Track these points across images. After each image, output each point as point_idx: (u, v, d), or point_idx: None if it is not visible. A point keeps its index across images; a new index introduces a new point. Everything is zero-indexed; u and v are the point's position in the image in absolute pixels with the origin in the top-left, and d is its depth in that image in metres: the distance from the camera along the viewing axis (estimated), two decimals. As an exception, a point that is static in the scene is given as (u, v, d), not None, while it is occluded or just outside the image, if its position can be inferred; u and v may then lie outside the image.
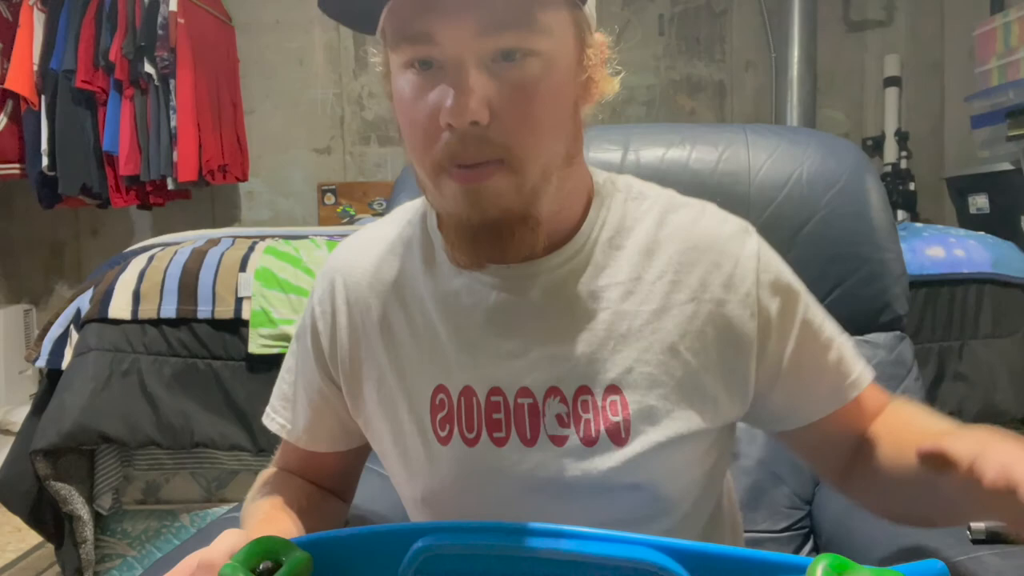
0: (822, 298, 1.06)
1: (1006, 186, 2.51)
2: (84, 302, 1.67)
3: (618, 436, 0.63)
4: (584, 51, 0.60)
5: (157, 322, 1.64)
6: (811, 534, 1.04)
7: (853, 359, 0.69)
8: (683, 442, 0.64)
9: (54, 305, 3.27)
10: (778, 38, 3.38)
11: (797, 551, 1.03)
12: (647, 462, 0.63)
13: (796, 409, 0.68)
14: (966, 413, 1.56)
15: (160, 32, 2.90)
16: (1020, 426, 1.62)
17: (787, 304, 0.66)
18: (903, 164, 3.32)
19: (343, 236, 1.77)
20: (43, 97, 2.90)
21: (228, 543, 0.52)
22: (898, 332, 1.10)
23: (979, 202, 2.65)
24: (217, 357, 1.65)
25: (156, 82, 2.92)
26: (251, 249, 1.73)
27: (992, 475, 0.45)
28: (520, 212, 0.59)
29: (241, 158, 3.40)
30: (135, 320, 1.63)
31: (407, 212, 0.74)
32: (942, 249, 1.61)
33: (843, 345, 0.69)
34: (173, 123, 2.93)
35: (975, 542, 0.71)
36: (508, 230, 0.59)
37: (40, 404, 1.64)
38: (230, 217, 3.63)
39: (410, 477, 0.70)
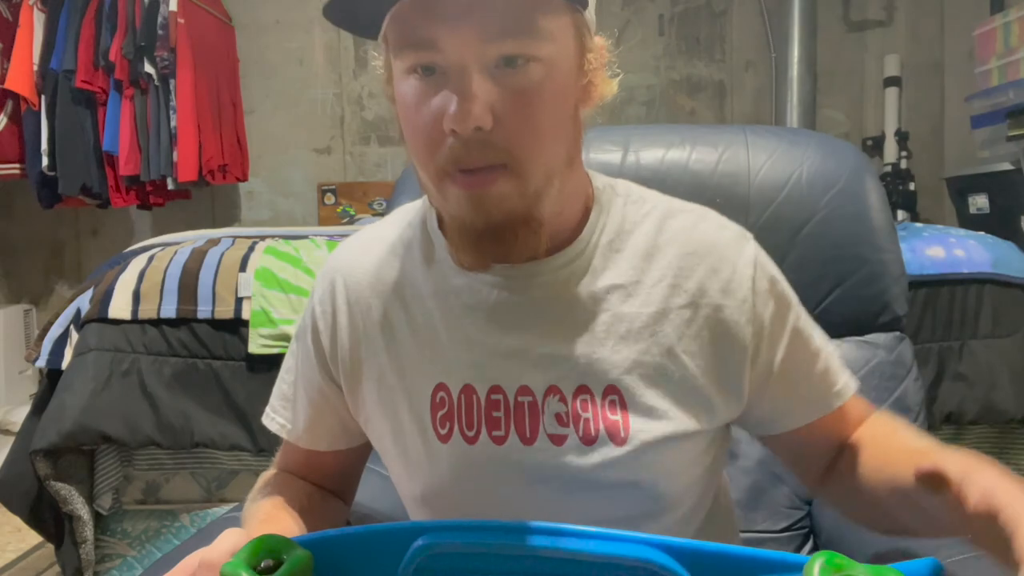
0: (821, 299, 1.06)
1: (1006, 186, 2.51)
2: (84, 302, 1.67)
3: (617, 435, 0.64)
4: (585, 55, 0.61)
5: (157, 322, 1.64)
6: (811, 534, 1.05)
7: (839, 369, 0.71)
8: (681, 441, 0.65)
9: (54, 305, 3.27)
10: (778, 38, 3.39)
11: (797, 551, 1.03)
12: (646, 460, 0.64)
13: (781, 415, 0.70)
14: (966, 413, 1.56)
15: (160, 32, 2.90)
16: (1020, 426, 1.62)
17: (780, 311, 0.68)
18: (903, 164, 3.32)
19: (343, 236, 1.78)
20: (43, 97, 2.90)
21: (229, 542, 0.53)
22: (897, 332, 1.10)
23: (979, 202, 2.66)
24: (217, 357, 1.65)
25: (156, 82, 2.92)
26: (251, 249, 1.73)
27: (975, 499, 0.45)
28: (523, 215, 0.59)
29: (241, 158, 3.40)
30: (135, 320, 1.63)
31: (407, 213, 0.74)
32: (942, 249, 1.61)
33: (830, 355, 0.71)
34: (173, 123, 2.93)
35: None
36: (512, 233, 0.59)
37: (40, 404, 1.64)
38: (230, 217, 3.64)
39: (410, 475, 0.70)
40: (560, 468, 0.64)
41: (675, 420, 0.64)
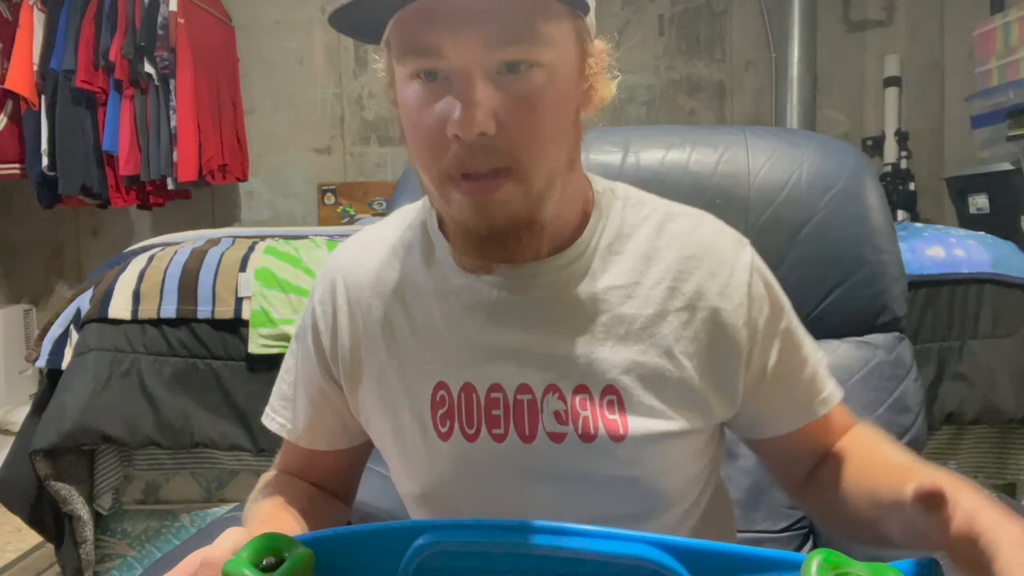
0: (821, 299, 1.07)
1: (1006, 186, 2.51)
2: (84, 302, 1.67)
3: (616, 433, 0.64)
4: (586, 60, 0.62)
5: (157, 322, 1.64)
6: (811, 534, 1.05)
7: (826, 377, 0.72)
8: (679, 439, 0.66)
9: (54, 305, 3.27)
10: (778, 38, 3.39)
11: (797, 551, 1.03)
12: (645, 457, 0.65)
13: (768, 419, 0.71)
14: (966, 413, 1.57)
15: (160, 32, 2.90)
16: (1020, 426, 1.62)
17: (774, 316, 0.69)
18: (903, 164, 3.33)
19: (343, 236, 1.78)
20: (43, 97, 2.91)
21: (231, 541, 0.53)
22: (897, 333, 1.10)
23: (979, 202, 2.66)
24: (217, 357, 1.65)
25: (156, 82, 2.92)
26: (251, 249, 1.73)
27: (958, 521, 0.46)
28: (526, 219, 0.60)
29: (241, 158, 3.40)
30: (135, 320, 1.63)
31: (407, 215, 0.75)
32: (942, 249, 1.61)
33: (818, 362, 0.72)
34: (173, 123, 2.93)
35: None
36: (515, 237, 0.60)
37: (40, 404, 1.64)
38: (230, 217, 3.64)
39: (410, 473, 0.71)
40: (560, 465, 0.65)
41: (673, 420, 0.65)
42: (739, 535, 1.00)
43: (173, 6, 2.90)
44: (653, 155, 1.12)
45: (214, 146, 3.11)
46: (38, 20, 2.92)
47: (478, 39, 0.55)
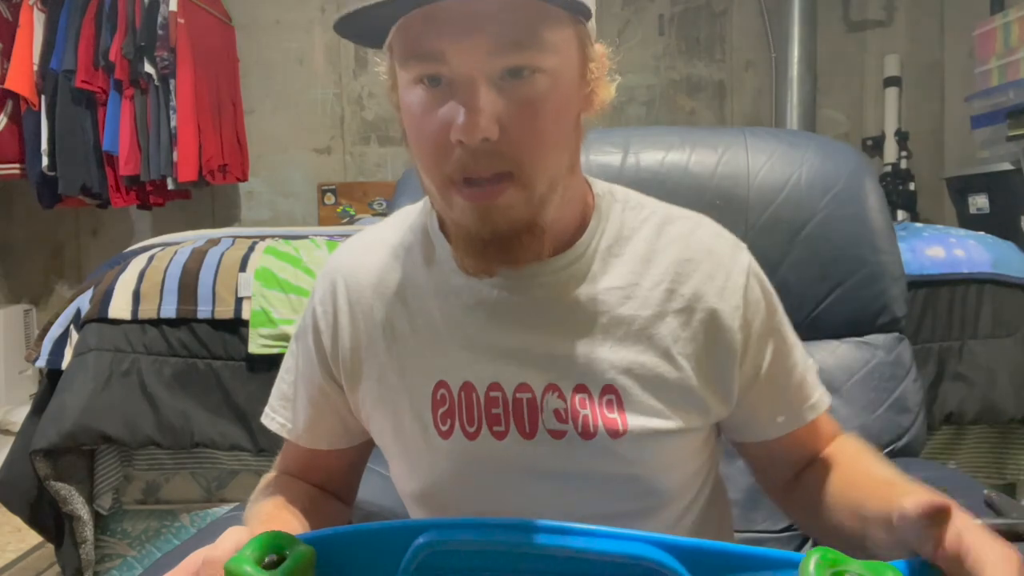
0: (821, 300, 1.07)
1: (1006, 186, 2.52)
2: (84, 302, 1.67)
3: (615, 431, 0.65)
4: (587, 64, 0.62)
5: (157, 322, 1.64)
6: (810, 534, 1.05)
7: (815, 383, 0.73)
8: (677, 437, 0.67)
9: (54, 305, 3.28)
10: (778, 38, 3.39)
11: (796, 551, 1.03)
12: (644, 454, 0.65)
13: (756, 423, 0.72)
14: (966, 413, 1.57)
15: (160, 32, 2.90)
16: (1020, 426, 1.62)
17: (768, 320, 0.70)
18: (903, 164, 3.33)
19: (343, 236, 1.78)
20: (43, 97, 2.91)
21: (232, 540, 0.53)
22: (896, 333, 1.10)
23: (979, 202, 2.66)
24: (217, 357, 1.66)
25: (156, 82, 2.93)
26: (251, 249, 1.73)
27: (948, 538, 0.47)
28: (528, 222, 0.61)
29: (241, 158, 3.40)
30: (135, 320, 1.63)
31: (407, 216, 0.75)
32: (942, 249, 1.61)
33: (808, 368, 0.73)
34: (173, 123, 2.93)
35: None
36: (516, 240, 0.61)
37: (40, 404, 1.64)
38: (230, 217, 3.64)
39: (411, 472, 0.71)
40: (560, 462, 0.65)
41: (671, 419, 0.66)
42: (739, 535, 1.00)
43: (173, 6, 2.90)
44: (653, 156, 1.12)
45: (214, 146, 3.11)
46: (38, 20, 2.92)
47: (482, 45, 0.55)
